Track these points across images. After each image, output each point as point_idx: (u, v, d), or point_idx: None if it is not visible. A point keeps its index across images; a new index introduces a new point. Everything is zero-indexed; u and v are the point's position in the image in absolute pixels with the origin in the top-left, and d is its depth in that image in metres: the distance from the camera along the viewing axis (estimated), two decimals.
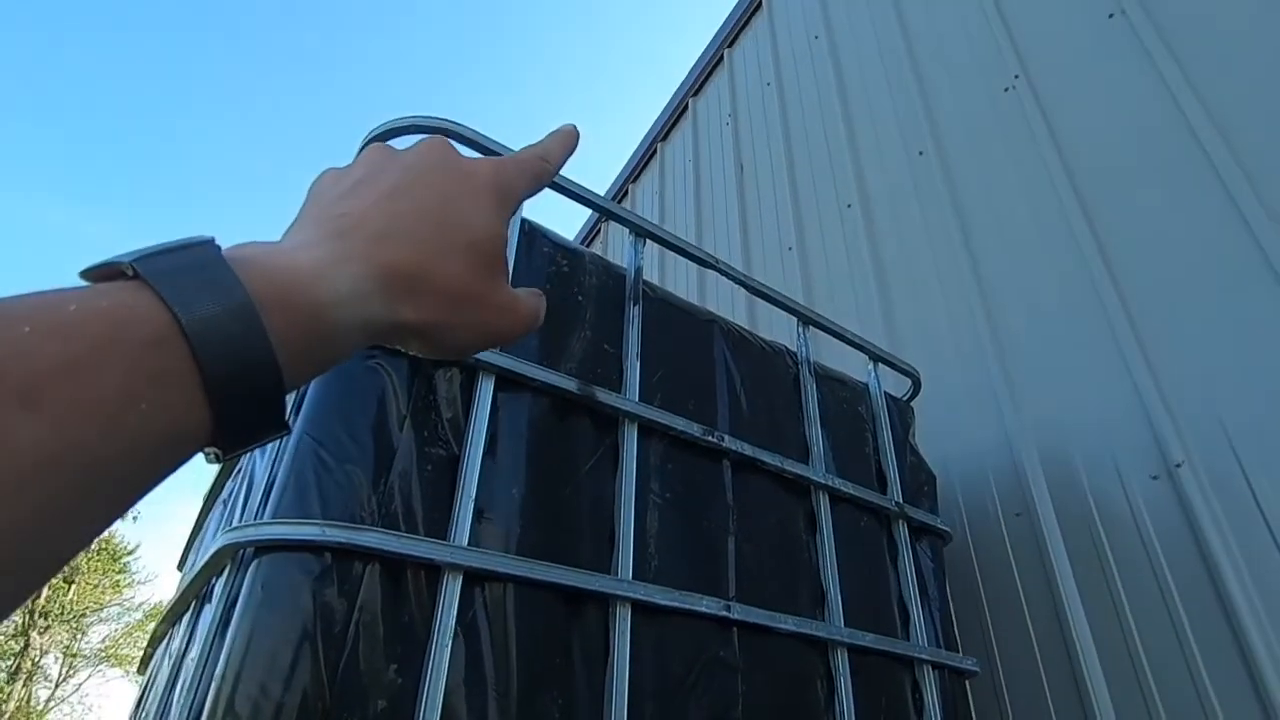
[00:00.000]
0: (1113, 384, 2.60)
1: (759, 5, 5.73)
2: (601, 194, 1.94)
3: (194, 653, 1.24)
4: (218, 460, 0.31)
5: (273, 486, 1.28)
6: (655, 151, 6.62)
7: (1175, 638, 2.20)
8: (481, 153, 1.77)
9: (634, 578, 1.49)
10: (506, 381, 1.54)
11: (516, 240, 1.70)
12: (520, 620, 1.34)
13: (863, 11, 4.63)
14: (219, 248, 0.30)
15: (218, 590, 1.26)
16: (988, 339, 3.08)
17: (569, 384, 1.58)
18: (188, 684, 1.20)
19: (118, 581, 20.17)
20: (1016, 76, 3.40)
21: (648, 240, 2.00)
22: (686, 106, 6.29)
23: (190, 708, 1.15)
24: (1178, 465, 2.35)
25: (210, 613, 1.25)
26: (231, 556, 1.25)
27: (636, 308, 1.84)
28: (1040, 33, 3.41)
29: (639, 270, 1.90)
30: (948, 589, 2.22)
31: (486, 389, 1.48)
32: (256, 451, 1.57)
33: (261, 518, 1.25)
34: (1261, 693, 1.96)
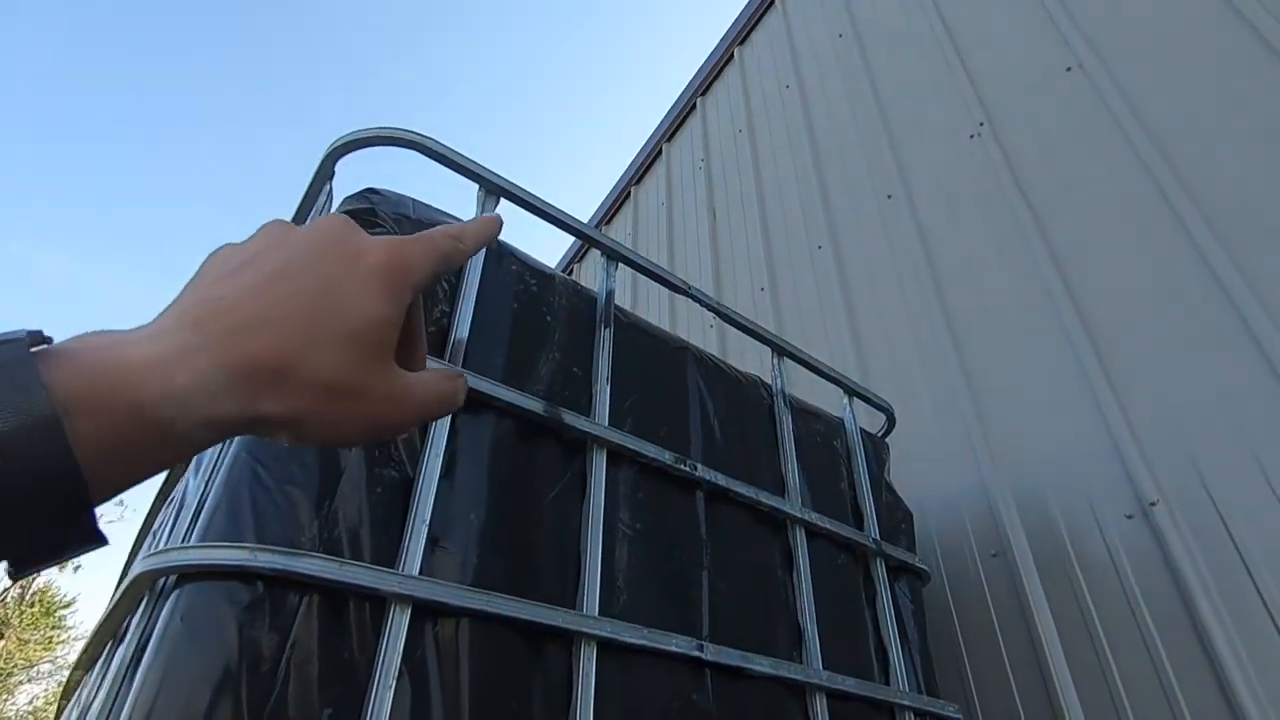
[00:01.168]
0: (1085, 423, 2.59)
1: (732, 56, 5.90)
2: (571, 241, 1.89)
3: (99, 698, 1.09)
4: (12, 578, 0.29)
5: (203, 509, 1.17)
6: (629, 195, 6.68)
7: (1156, 677, 2.14)
8: (452, 168, 1.72)
9: (600, 614, 1.38)
10: (468, 402, 1.45)
11: (483, 258, 1.64)
12: (474, 659, 1.22)
13: (831, 62, 4.78)
14: (31, 343, 0.28)
15: (133, 625, 1.13)
16: (960, 380, 3.07)
17: (535, 405, 1.50)
18: None
19: (51, 637, 18.87)
20: (981, 124, 3.50)
21: (620, 265, 1.95)
22: (660, 151, 6.38)
23: None
24: (1153, 504, 2.33)
25: (123, 651, 1.11)
26: (150, 586, 1.12)
27: (607, 331, 1.77)
28: (1003, 84, 3.53)
29: (610, 293, 1.85)
30: (927, 632, 2.13)
31: None
32: (190, 473, 1.45)
33: (188, 542, 1.12)
34: None
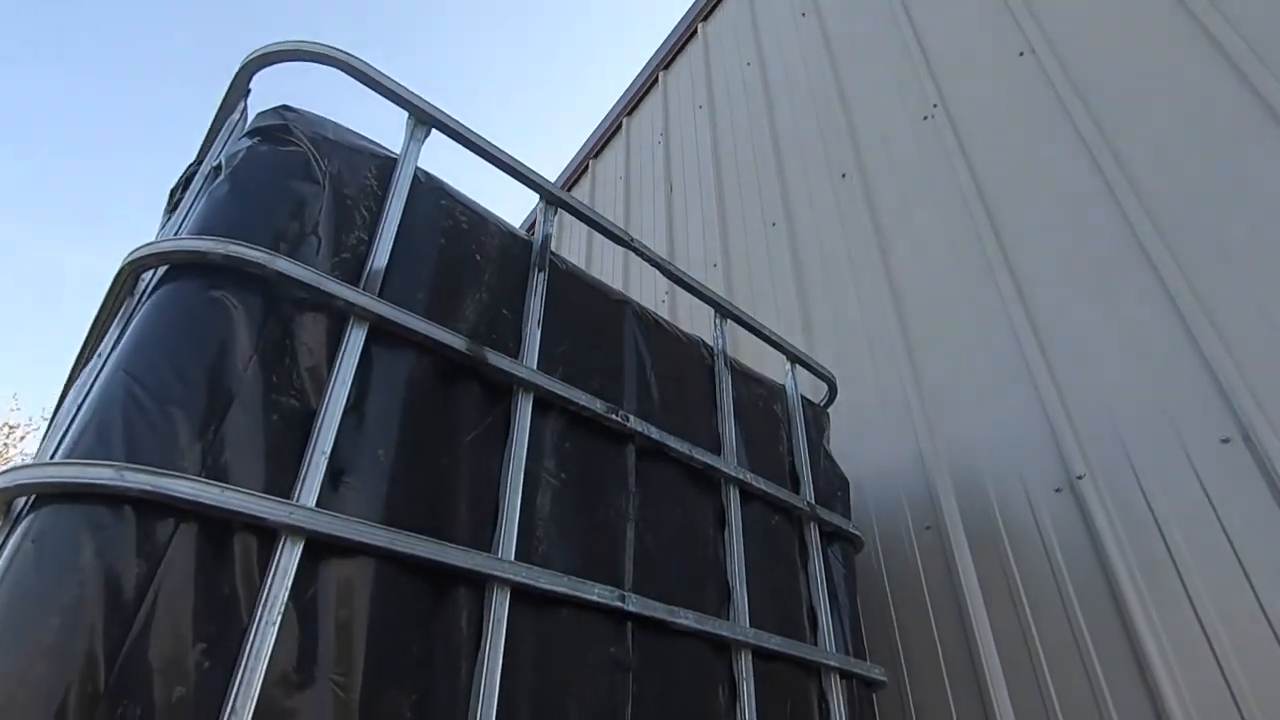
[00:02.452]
0: (1021, 400, 2.62)
1: (695, 31, 5.82)
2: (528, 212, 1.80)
3: None
4: None
5: (72, 425, 1.05)
6: (587, 168, 6.57)
7: (1075, 645, 2.18)
8: (380, 93, 1.61)
9: (517, 560, 1.31)
10: (384, 335, 1.36)
11: (408, 187, 1.54)
12: (375, 601, 1.14)
13: (793, 41, 4.75)
14: None
15: None
16: (903, 358, 3.09)
17: (456, 342, 1.41)
18: None
19: None
20: (935, 105, 3.51)
21: (560, 212, 1.87)
22: (620, 125, 6.28)
23: None
24: (1079, 477, 2.37)
25: None
26: (6, 508, 1.01)
27: (541, 275, 1.69)
28: (957, 67, 3.54)
29: (547, 237, 1.77)
30: (857, 597, 2.13)
31: (357, 338, 1.29)
32: (73, 389, 1.32)
33: (52, 460, 1.01)
34: (1154, 695, 1.95)
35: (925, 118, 3.55)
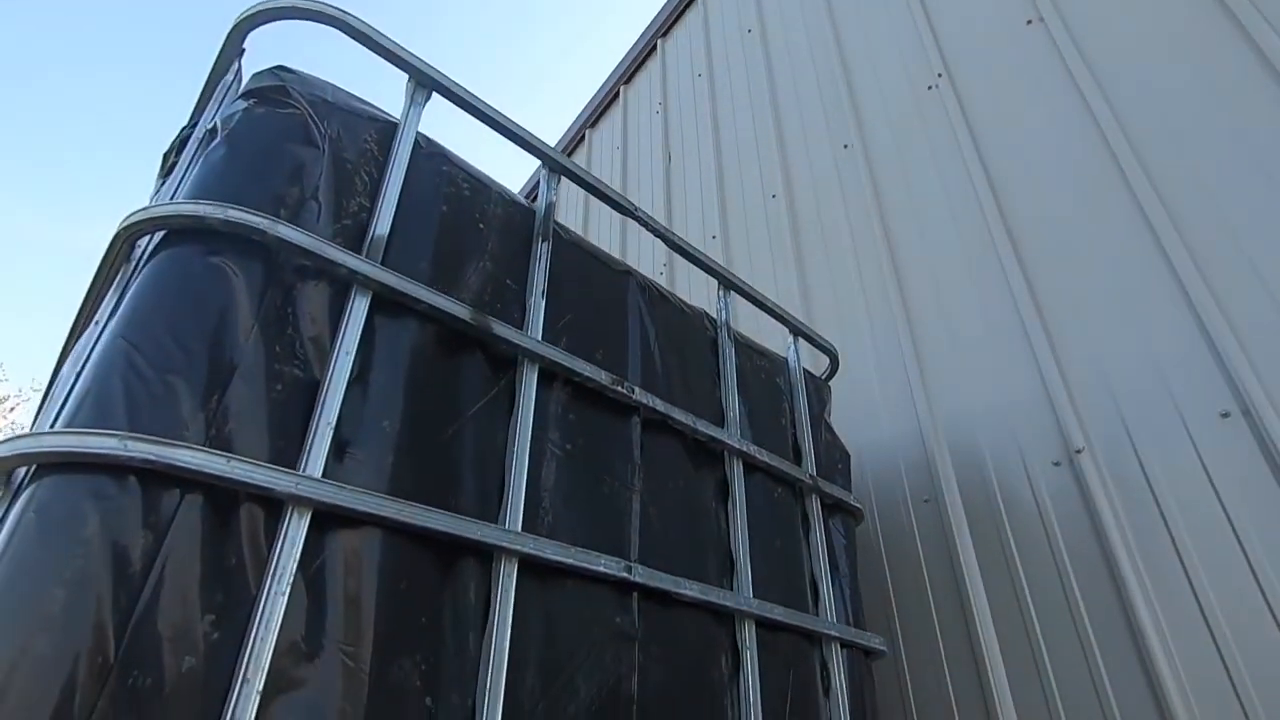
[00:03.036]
0: (1021, 374, 2.62)
1: None
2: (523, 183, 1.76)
3: None
4: None
5: (71, 393, 1.03)
6: (583, 138, 6.47)
7: (1070, 617, 2.21)
8: (379, 53, 1.56)
9: (524, 532, 1.30)
10: (387, 304, 1.33)
11: (409, 153, 1.50)
12: (382, 572, 1.13)
13: (795, 7, 4.65)
14: None
15: None
16: (904, 331, 3.08)
17: (460, 311, 1.39)
18: None
19: None
20: (940, 75, 3.46)
21: (562, 179, 1.83)
22: (618, 93, 6.17)
23: None
24: (1078, 451, 2.38)
25: None
26: (7, 477, 0.99)
27: (545, 244, 1.66)
28: (963, 35, 3.48)
29: (550, 206, 1.73)
30: (857, 568, 2.14)
31: (360, 306, 1.27)
32: (70, 358, 1.29)
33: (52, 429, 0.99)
34: (1148, 668, 1.98)
35: (930, 87, 3.50)
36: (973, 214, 3.04)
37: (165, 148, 1.63)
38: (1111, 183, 2.62)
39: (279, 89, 1.39)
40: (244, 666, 0.94)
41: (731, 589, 1.65)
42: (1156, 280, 2.39)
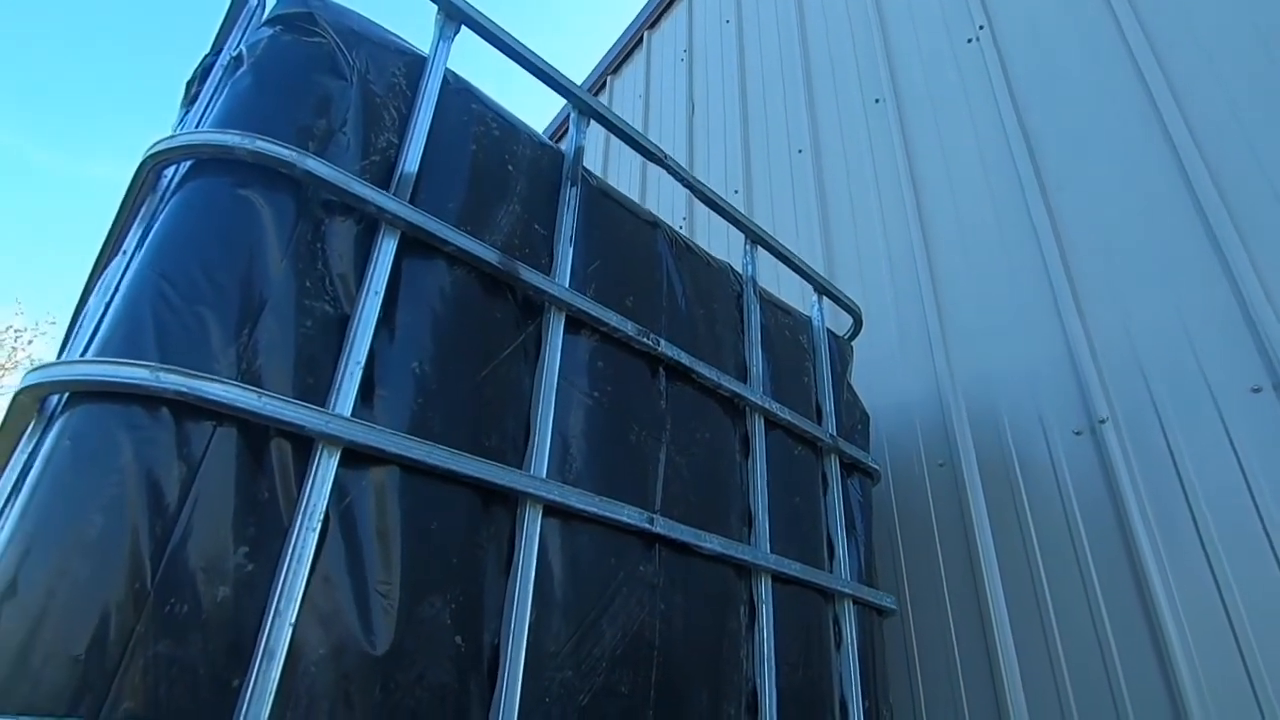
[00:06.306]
0: (1047, 339, 2.58)
1: None
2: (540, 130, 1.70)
3: None
4: None
5: (102, 323, 1.02)
6: (604, 85, 6.30)
7: (1082, 588, 2.21)
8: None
9: (550, 478, 1.30)
10: (415, 245, 1.30)
11: (438, 90, 1.45)
12: (412, 513, 1.14)
13: None
14: None
15: (18, 450, 1.00)
16: (928, 292, 3.02)
17: (489, 254, 1.36)
18: None
19: None
20: (981, 27, 3.31)
21: (590, 122, 1.78)
22: (642, 39, 5.98)
23: None
24: (1102, 421, 2.35)
25: (5, 477, 0.98)
26: (39, 406, 0.99)
27: (574, 189, 1.62)
28: None
29: (580, 150, 1.68)
30: (873, 528, 2.15)
31: (388, 246, 1.24)
32: (97, 288, 1.28)
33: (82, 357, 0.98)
34: (1161, 645, 1.98)
35: (970, 40, 3.36)
36: (1007, 173, 2.95)
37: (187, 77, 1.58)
38: (1155, 143, 2.52)
39: (305, 15, 1.34)
40: (276, 599, 0.95)
41: (750, 543, 1.65)
42: (1193, 246, 2.32)
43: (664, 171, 2.02)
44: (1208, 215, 2.30)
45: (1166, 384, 2.26)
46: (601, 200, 1.73)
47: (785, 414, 1.90)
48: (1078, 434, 2.42)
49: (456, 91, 1.52)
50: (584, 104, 1.72)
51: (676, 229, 2.03)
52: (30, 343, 14.75)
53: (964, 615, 2.42)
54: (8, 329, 14.68)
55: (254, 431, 1.01)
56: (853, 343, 2.62)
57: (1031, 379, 2.59)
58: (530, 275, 1.41)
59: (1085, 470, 2.35)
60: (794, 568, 1.69)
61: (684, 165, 4.81)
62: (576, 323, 1.51)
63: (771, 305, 2.16)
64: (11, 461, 0.98)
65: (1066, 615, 2.22)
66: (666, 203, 4.70)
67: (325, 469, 1.04)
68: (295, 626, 0.94)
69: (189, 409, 0.96)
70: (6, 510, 0.90)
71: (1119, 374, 2.37)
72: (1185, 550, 2.05)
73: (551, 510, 1.29)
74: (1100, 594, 2.17)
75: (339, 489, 1.06)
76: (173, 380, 0.92)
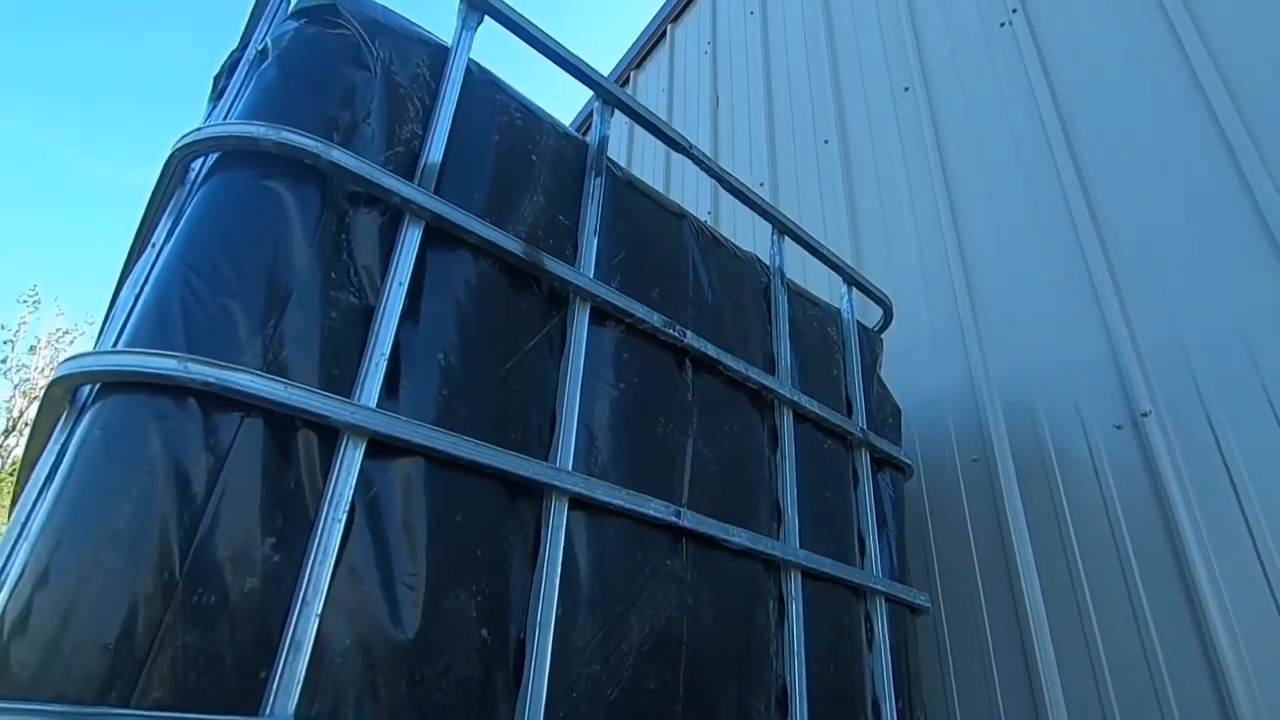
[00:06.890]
0: (1085, 330, 2.50)
1: None
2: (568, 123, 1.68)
3: (14, 517, 0.98)
4: None
5: (131, 315, 1.02)
6: (628, 80, 6.28)
7: (1124, 584, 2.14)
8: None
9: (575, 471, 1.29)
10: (439, 235, 1.29)
11: (461, 79, 1.44)
12: (437, 505, 1.13)
13: None
14: None
15: (51, 439, 1.01)
16: (960, 283, 2.95)
17: (513, 245, 1.35)
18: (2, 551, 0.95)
19: None
20: (1014, 10, 3.22)
21: (615, 111, 1.76)
22: (665, 33, 5.94)
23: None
24: (1145, 414, 2.27)
25: (39, 467, 0.99)
26: (71, 394, 0.99)
27: (599, 179, 1.60)
28: None
29: (604, 140, 1.66)
30: (905, 524, 2.10)
31: (413, 236, 1.23)
32: (128, 281, 1.29)
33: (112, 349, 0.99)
34: (1210, 649, 1.91)
35: (1002, 24, 3.27)
36: (1042, 159, 2.86)
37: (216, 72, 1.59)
38: (1200, 125, 2.43)
39: (329, 8, 1.34)
40: (303, 589, 0.94)
41: (779, 538, 1.62)
42: (1242, 230, 2.22)
43: (689, 165, 1.99)
44: (1259, 200, 2.21)
45: (1214, 375, 2.18)
46: (627, 191, 1.71)
47: (814, 407, 1.86)
48: (1119, 428, 2.34)
49: (480, 82, 1.51)
50: (608, 93, 1.70)
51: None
52: (73, 342, 15.21)
53: (999, 614, 2.36)
54: (58, 331, 15.17)
55: (280, 422, 1.01)
56: (882, 335, 2.57)
57: (1069, 371, 2.51)
58: (555, 266, 1.40)
59: (1127, 465, 2.27)
60: (824, 564, 1.66)
61: (709, 155, 4.78)
62: (602, 314, 1.49)
63: (799, 297, 2.12)
64: (45, 452, 0.99)
65: (1107, 613, 2.15)
66: (691, 196, 4.66)
67: (350, 460, 1.03)
68: (322, 618, 0.93)
69: (216, 400, 0.96)
70: (40, 500, 0.91)
71: (1163, 365, 2.28)
72: (1235, 548, 1.97)
73: (577, 503, 1.27)
74: (1143, 591, 2.10)
75: (364, 480, 1.06)
76: (200, 371, 0.92)
